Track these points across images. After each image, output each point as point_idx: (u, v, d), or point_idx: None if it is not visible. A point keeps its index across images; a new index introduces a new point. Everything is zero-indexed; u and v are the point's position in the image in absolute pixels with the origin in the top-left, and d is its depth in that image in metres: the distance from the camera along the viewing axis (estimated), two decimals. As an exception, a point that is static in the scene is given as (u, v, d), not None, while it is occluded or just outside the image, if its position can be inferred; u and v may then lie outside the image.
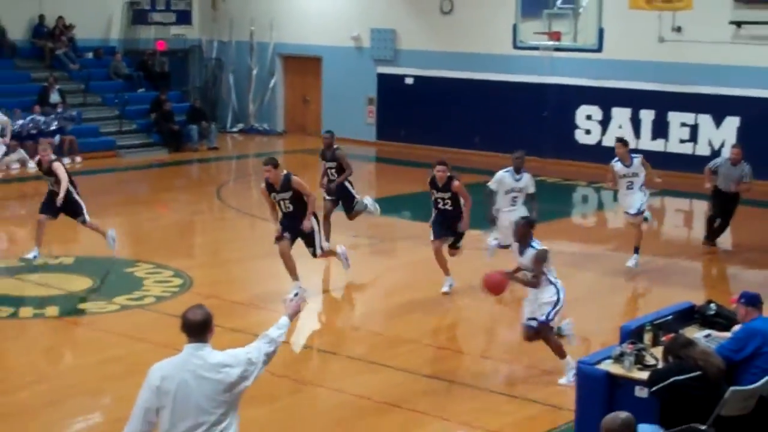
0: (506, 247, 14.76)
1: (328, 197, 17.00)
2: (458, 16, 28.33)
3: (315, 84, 31.75)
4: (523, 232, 11.09)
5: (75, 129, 26.81)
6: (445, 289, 14.57)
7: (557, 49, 26.85)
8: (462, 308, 14.50)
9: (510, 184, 15.22)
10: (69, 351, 12.47)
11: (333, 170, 17.00)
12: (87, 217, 16.02)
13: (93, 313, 13.76)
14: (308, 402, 11.11)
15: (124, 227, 20.38)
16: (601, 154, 23.75)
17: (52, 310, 13.78)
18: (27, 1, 29.50)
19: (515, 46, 27.62)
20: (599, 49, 26.32)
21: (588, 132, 26.68)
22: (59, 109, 26.72)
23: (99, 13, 30.80)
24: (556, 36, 26.79)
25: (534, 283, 10.99)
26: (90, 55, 30.44)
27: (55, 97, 27.24)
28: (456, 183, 14.37)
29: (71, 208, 15.82)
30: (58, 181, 15.54)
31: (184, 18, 32.68)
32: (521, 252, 11.09)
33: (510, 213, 15.01)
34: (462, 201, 14.49)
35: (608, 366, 8.93)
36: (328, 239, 15.53)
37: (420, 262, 16.83)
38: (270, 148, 30.44)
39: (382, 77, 30.11)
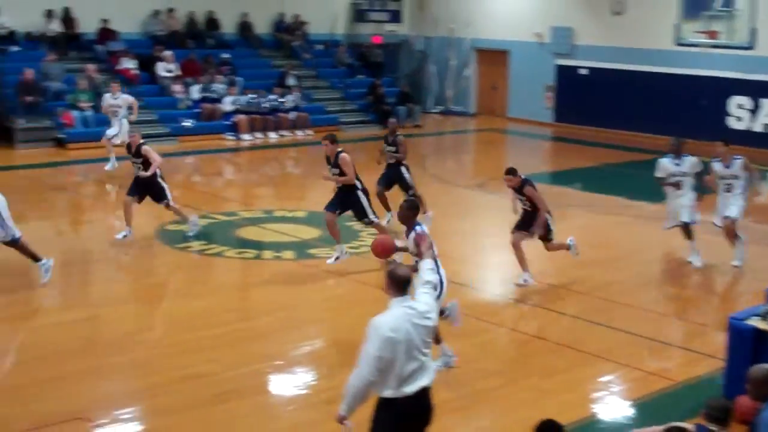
0: (678, 226, 13.88)
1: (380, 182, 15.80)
2: (627, 17, 27.66)
3: (502, 73, 31.46)
4: (405, 215, 9.47)
5: (307, 107, 27.38)
6: (519, 281, 12.79)
7: (714, 46, 25.94)
8: (627, 266, 14.21)
9: (670, 169, 13.72)
10: (299, 287, 12.76)
11: (393, 155, 15.84)
12: (171, 200, 14.93)
13: (319, 258, 14.06)
14: (493, 339, 11.15)
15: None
16: (750, 138, 23.03)
17: (288, 254, 14.18)
18: (272, 2, 30.21)
19: (677, 43, 26.79)
20: (751, 47, 25.28)
21: (739, 119, 25.71)
22: (294, 92, 27.35)
23: (328, 12, 31.19)
24: (713, 35, 25.95)
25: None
26: (320, 46, 30.94)
27: (291, 81, 27.84)
28: (528, 188, 12.60)
29: (155, 191, 14.82)
30: (145, 164, 14.58)
31: (396, 17, 32.84)
32: (407, 234, 9.48)
33: (677, 197, 13.80)
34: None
35: (756, 322, 8.68)
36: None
37: (587, 226, 16.60)
38: (463, 126, 30.47)
39: (560, 68, 29.64)
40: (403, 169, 15.86)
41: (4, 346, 10.42)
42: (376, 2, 32.36)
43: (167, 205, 14.89)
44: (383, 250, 9.23)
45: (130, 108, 20.40)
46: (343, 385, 6.41)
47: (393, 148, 15.86)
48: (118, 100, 20.38)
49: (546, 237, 12.95)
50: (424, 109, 31.24)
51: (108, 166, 20.12)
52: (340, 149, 13.42)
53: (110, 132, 20.15)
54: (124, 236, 14.55)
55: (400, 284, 6.39)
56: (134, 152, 14.78)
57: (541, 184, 20.66)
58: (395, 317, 6.29)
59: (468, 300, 12.32)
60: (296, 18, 30.55)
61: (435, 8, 32.51)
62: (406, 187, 15.82)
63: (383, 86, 29.55)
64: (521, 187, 12.64)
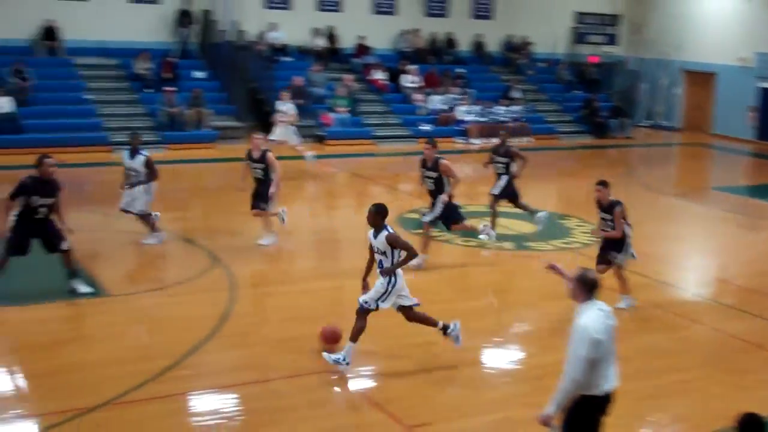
0: None
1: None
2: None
3: (708, 93, 29.88)
4: (373, 218, 8.87)
5: (528, 117, 27.03)
6: (620, 305, 10.65)
7: None
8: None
9: None
10: (515, 275, 12.65)
11: (502, 165, 14.01)
12: (269, 207, 13.18)
13: (535, 249, 13.85)
14: (692, 335, 10.60)
15: (558, 191, 20.33)
16: None
17: (508, 245, 14.01)
18: (503, 24, 30.05)
19: None
20: None
21: None
22: (518, 104, 27.09)
23: (551, 34, 30.62)
24: None
25: (409, 256, 8.91)
26: (542, 64, 30.43)
27: (515, 94, 27.57)
28: (617, 210, 10.71)
29: (262, 194, 13.13)
30: (266, 170, 13.07)
31: (612, 40, 31.91)
32: (375, 236, 8.90)
33: None
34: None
35: None
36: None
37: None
38: (670, 140, 29.16)
39: (763, 90, 27.89)
40: (514, 183, 14.05)
41: (266, 306, 10.86)
42: (595, 26, 31.61)
43: (263, 209, 13.20)
44: (326, 341, 9.26)
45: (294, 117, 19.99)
46: (551, 364, 6.25)
47: (504, 159, 14.07)
48: (285, 107, 20.14)
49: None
50: (634, 123, 30.15)
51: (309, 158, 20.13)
52: (438, 155, 12.30)
53: (275, 136, 19.45)
54: (268, 243, 13.29)
55: (593, 287, 6.10)
56: (258, 158, 13.11)
57: (738, 196, 19.74)
58: (596, 319, 6.00)
59: (670, 298, 11.83)
60: (523, 39, 30.19)
61: (649, 33, 31.30)
62: (515, 197, 14.22)
63: (598, 101, 28.73)
64: (610, 207, 10.79)
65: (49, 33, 23.07)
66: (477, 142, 25.42)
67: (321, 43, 26.83)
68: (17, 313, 10.15)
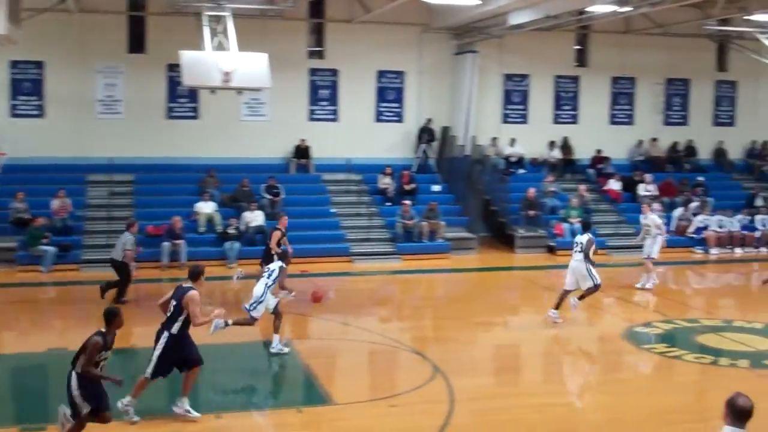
0: None
1: None
2: None
3: None
4: None
5: None
6: None
7: None
8: None
9: None
10: (754, 396, 11.47)
11: None
12: None
13: (776, 370, 12.61)
14: None
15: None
16: None
17: (744, 363, 12.80)
18: (747, 131, 28.62)
19: None
20: None
21: None
22: (762, 212, 25.30)
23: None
24: None
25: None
26: (790, 171, 28.44)
27: (759, 203, 25.83)
28: None
29: None
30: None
31: None
32: None
33: None
34: None
35: None
36: None
37: None
38: None
39: None
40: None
41: (486, 420, 10.48)
42: None
43: None
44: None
45: (658, 227, 19.04)
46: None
47: None
48: (647, 220, 19.25)
49: None
50: None
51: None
52: None
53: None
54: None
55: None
56: None
57: None
58: None
59: None
60: (767, 144, 28.46)
61: None
62: None
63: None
64: None
65: (302, 152, 24.55)
66: (715, 252, 23.98)
67: (556, 154, 26.65)
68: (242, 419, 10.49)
